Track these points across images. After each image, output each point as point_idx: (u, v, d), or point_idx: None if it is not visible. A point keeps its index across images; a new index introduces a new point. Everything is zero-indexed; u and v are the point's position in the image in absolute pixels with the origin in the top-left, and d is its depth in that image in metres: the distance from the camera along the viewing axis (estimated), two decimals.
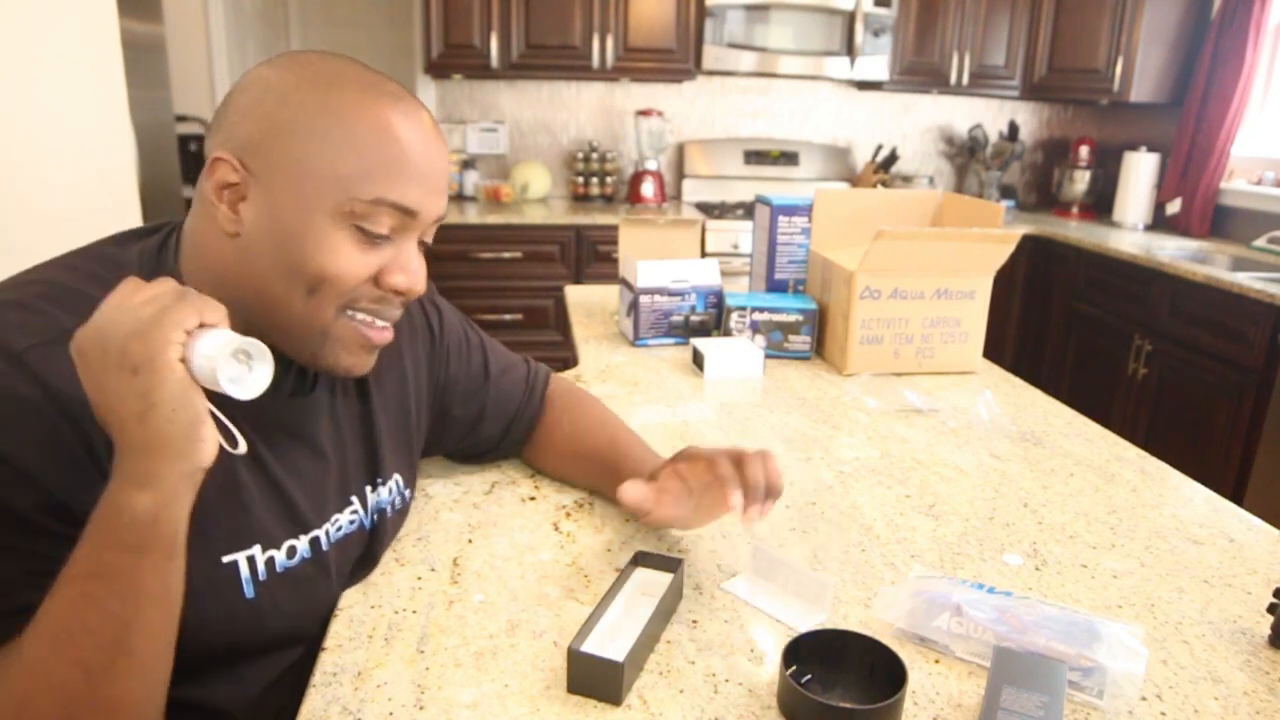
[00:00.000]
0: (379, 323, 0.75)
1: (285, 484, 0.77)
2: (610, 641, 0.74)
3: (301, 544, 0.78)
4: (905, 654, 0.72)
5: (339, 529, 0.83)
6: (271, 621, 0.75)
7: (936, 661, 0.77)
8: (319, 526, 0.80)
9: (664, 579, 0.83)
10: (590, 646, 0.72)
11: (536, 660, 0.75)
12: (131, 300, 0.58)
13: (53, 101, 1.94)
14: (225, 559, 0.72)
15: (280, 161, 0.68)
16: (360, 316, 0.74)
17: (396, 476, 0.92)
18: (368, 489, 0.87)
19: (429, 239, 0.77)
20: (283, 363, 0.78)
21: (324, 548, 0.80)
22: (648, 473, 0.93)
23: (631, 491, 0.84)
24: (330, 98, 0.69)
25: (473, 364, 1.04)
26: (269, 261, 0.70)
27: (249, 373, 0.62)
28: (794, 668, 0.70)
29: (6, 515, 0.61)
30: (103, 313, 0.58)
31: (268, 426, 0.76)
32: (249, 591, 0.73)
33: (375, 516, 0.88)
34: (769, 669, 0.75)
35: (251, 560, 0.74)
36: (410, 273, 0.74)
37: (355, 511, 0.85)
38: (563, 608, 0.83)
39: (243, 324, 0.71)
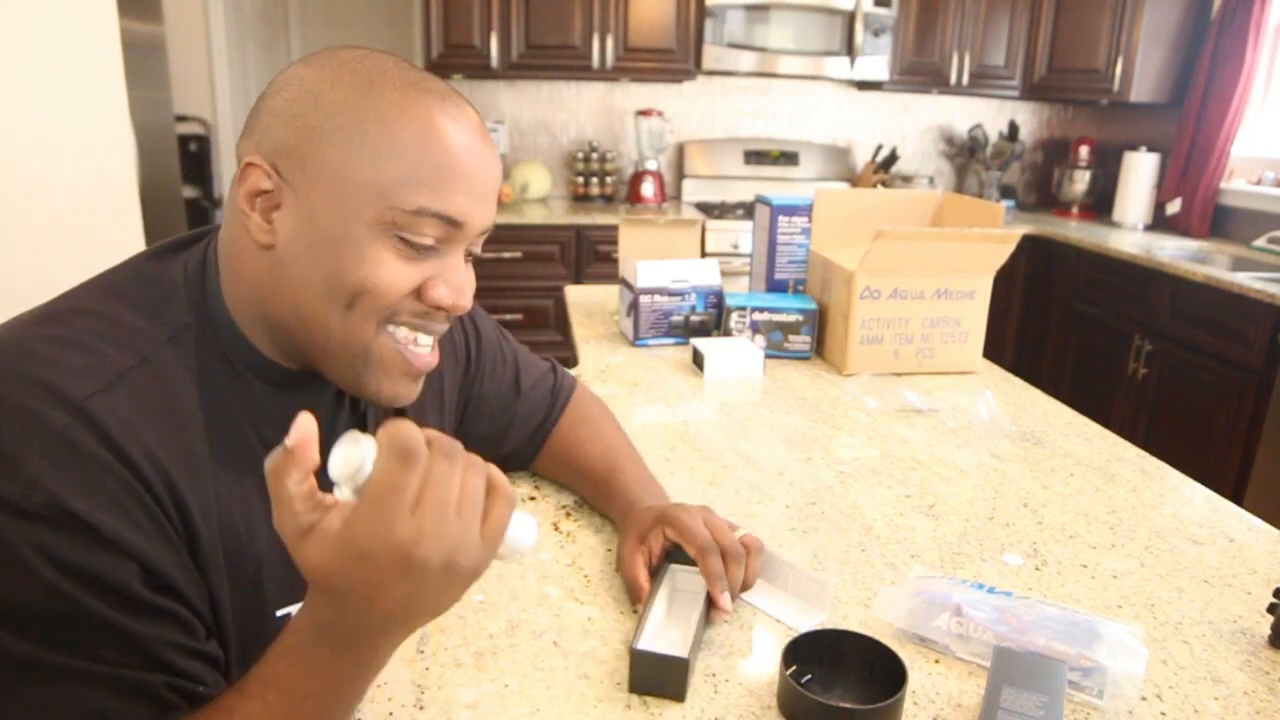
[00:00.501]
0: (421, 340, 0.70)
1: None
2: (660, 639, 0.76)
3: None
4: (905, 654, 0.72)
5: None
6: None
7: (936, 661, 0.77)
8: None
9: (698, 574, 0.83)
10: (650, 645, 0.72)
11: (536, 660, 0.75)
12: (448, 502, 0.52)
13: (53, 101, 1.94)
14: (279, 613, 0.70)
15: (316, 167, 0.63)
16: (402, 334, 0.68)
17: None
18: None
19: (477, 249, 0.71)
20: (333, 392, 0.75)
21: None
22: (635, 518, 0.90)
23: (631, 574, 0.85)
24: (369, 98, 0.63)
25: (504, 381, 1.02)
26: (306, 275, 0.65)
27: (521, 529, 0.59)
28: (794, 668, 0.70)
29: (110, 593, 0.55)
30: (427, 521, 0.51)
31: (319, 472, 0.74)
32: None
33: None
34: (769, 669, 0.75)
35: None
36: (455, 287, 0.68)
37: None
38: (563, 608, 0.83)
39: (286, 343, 0.68)
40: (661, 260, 1.66)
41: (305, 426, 0.52)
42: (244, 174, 0.65)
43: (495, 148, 0.69)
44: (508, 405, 1.03)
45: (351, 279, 0.64)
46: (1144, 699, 0.73)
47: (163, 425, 0.61)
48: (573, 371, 1.52)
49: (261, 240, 0.65)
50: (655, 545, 0.86)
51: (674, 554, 0.85)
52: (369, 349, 0.67)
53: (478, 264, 0.77)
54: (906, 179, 4.05)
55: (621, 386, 1.45)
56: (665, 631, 0.78)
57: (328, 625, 0.55)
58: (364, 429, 0.75)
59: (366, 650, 0.56)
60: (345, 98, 0.63)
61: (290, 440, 0.52)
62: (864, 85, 4.03)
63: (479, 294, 0.76)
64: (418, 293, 0.67)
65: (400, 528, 0.50)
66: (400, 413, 0.84)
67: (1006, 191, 4.10)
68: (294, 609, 0.67)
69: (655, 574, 0.84)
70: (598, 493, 1.01)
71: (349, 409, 0.78)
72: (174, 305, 0.66)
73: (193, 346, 0.65)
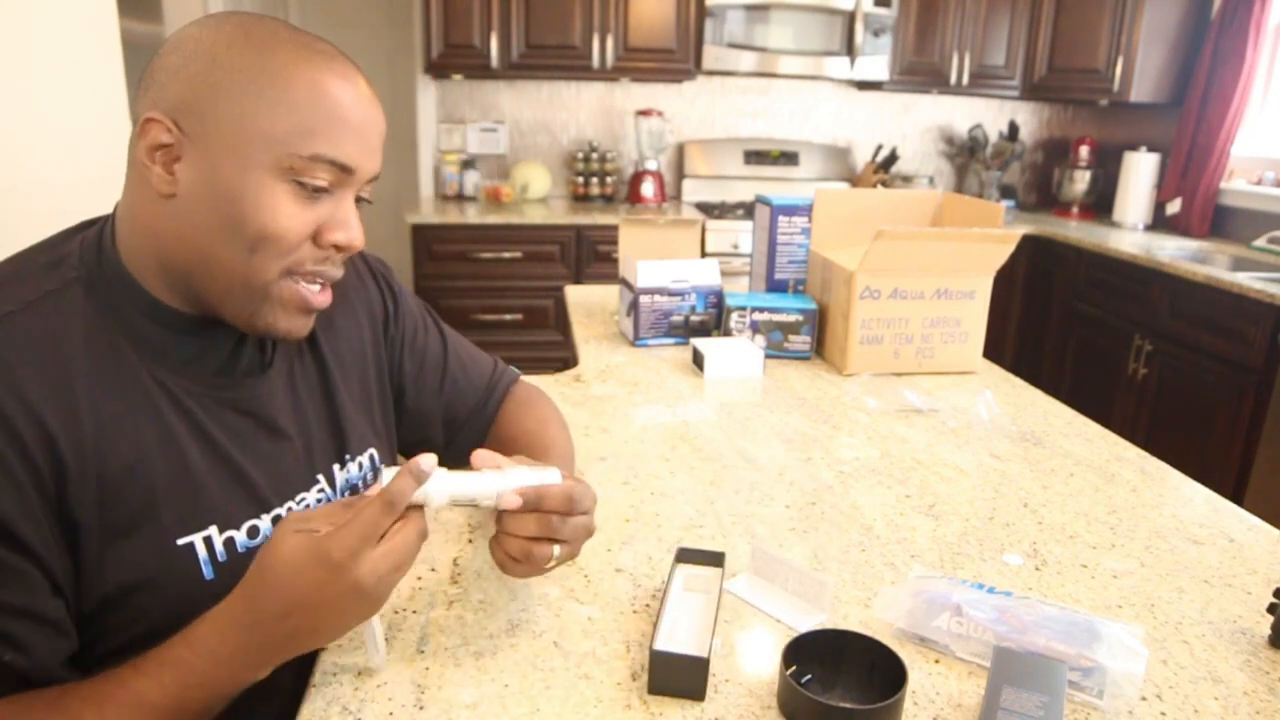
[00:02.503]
0: (314, 288, 0.76)
1: (241, 464, 0.77)
2: (676, 639, 0.76)
3: (264, 523, 0.78)
4: (905, 654, 0.72)
5: (305, 507, 0.82)
6: None
7: (936, 661, 0.77)
8: (281, 505, 0.80)
9: (709, 573, 0.84)
10: (668, 645, 0.72)
11: (536, 660, 0.75)
12: (398, 552, 0.65)
13: (53, 101, 1.94)
14: (180, 541, 0.72)
15: (215, 121, 0.68)
16: (303, 282, 0.74)
17: (371, 452, 0.91)
18: (335, 467, 0.87)
19: (367, 195, 0.78)
20: (237, 339, 0.79)
21: None
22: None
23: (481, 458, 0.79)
24: (264, 58, 0.69)
25: (429, 354, 1.02)
26: (208, 221, 0.69)
27: None
28: (794, 668, 0.70)
29: None
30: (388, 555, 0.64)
31: (221, 406, 0.77)
32: (208, 573, 0.73)
33: (346, 494, 0.87)
34: (769, 669, 0.75)
35: (209, 541, 0.73)
36: (349, 228, 0.74)
37: (322, 490, 0.85)
38: (563, 608, 0.83)
39: (183, 287, 0.73)
40: (661, 260, 1.66)
41: (378, 487, 0.67)
42: (144, 129, 0.69)
43: (380, 107, 0.76)
44: (432, 383, 1.02)
45: (252, 224, 0.69)
46: (1144, 699, 0.73)
47: (36, 365, 0.65)
48: (573, 371, 1.52)
49: (163, 190, 0.69)
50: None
51: (683, 554, 0.85)
52: (269, 290, 0.72)
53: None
54: (906, 179, 4.05)
55: (621, 386, 1.45)
56: (681, 631, 0.78)
57: (246, 621, 0.64)
58: (266, 369, 0.81)
59: (266, 653, 0.65)
60: (241, 57, 0.69)
61: (370, 491, 0.67)
62: (864, 85, 4.03)
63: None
64: (315, 239, 0.73)
65: (365, 553, 0.63)
66: (319, 360, 0.88)
67: (1006, 191, 4.10)
68: (196, 538, 0.73)
69: (669, 574, 0.84)
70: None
71: (251, 350, 0.81)
72: (66, 264, 0.72)
73: (81, 297, 0.70)
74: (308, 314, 0.77)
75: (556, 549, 0.75)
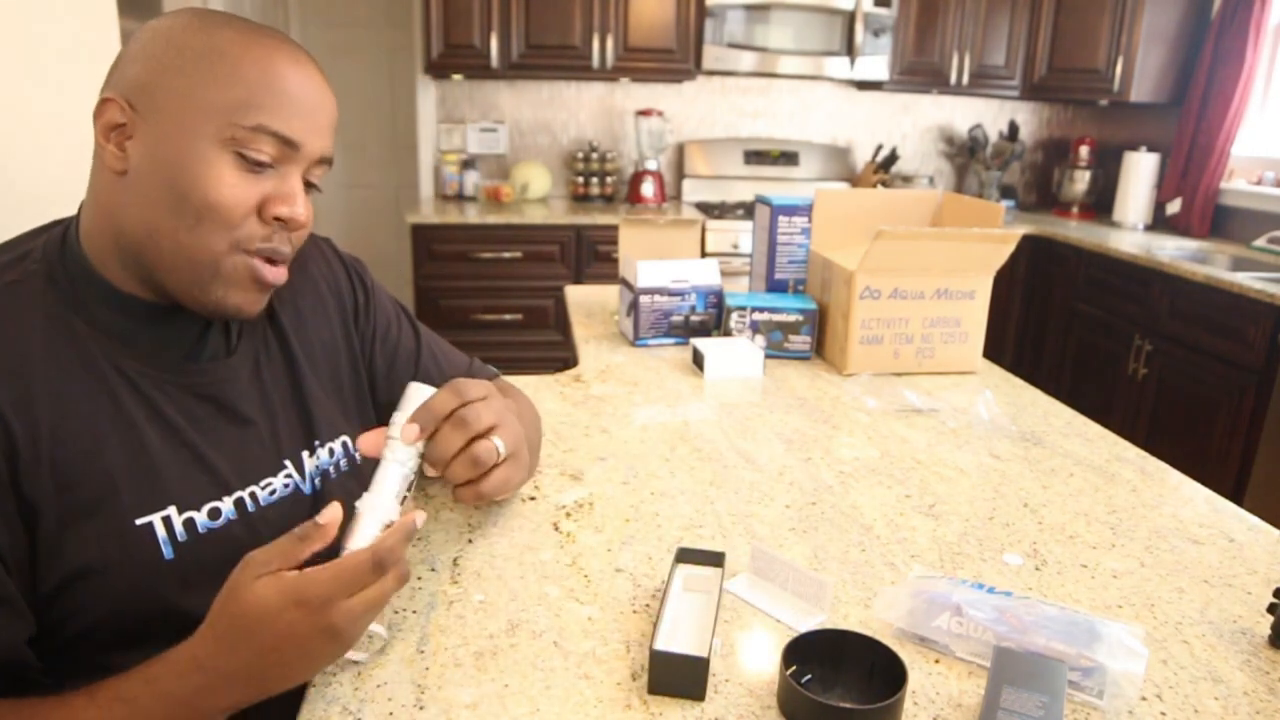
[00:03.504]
0: (267, 265, 0.76)
1: (201, 448, 0.77)
2: (676, 639, 0.76)
3: (225, 505, 0.78)
4: (905, 654, 0.72)
5: (271, 492, 0.83)
6: (197, 583, 0.74)
7: (936, 661, 0.77)
8: (244, 488, 0.80)
9: (709, 573, 0.84)
10: (668, 645, 0.73)
11: (536, 660, 0.75)
12: (375, 607, 0.66)
13: (53, 101, 1.94)
14: (139, 521, 0.72)
15: (164, 96, 0.70)
16: (252, 258, 0.75)
17: (343, 439, 0.92)
18: (304, 454, 0.87)
19: (316, 180, 0.78)
20: (201, 326, 0.80)
21: (251, 509, 0.80)
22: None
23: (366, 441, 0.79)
24: (214, 38, 0.71)
25: (401, 349, 1.02)
26: (156, 194, 0.71)
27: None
28: (794, 668, 0.70)
29: None
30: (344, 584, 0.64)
31: (182, 392, 0.77)
32: (168, 553, 0.73)
33: (316, 481, 0.88)
34: (769, 669, 0.75)
35: (168, 521, 0.74)
36: (293, 203, 0.74)
37: (289, 476, 0.85)
38: (563, 608, 0.83)
39: (135, 267, 0.74)
40: (661, 260, 1.66)
41: (331, 515, 0.66)
42: (100, 109, 0.72)
43: (332, 95, 0.78)
44: (414, 374, 1.01)
45: (196, 193, 0.70)
46: (1144, 699, 0.73)
47: None
48: (573, 371, 1.52)
49: (115, 167, 0.71)
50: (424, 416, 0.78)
51: (683, 554, 0.85)
52: (218, 264, 0.73)
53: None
54: (906, 179, 4.06)
55: (621, 386, 1.45)
56: (681, 631, 0.78)
57: (210, 665, 0.63)
58: (229, 356, 0.82)
59: (230, 695, 0.64)
60: (193, 38, 0.71)
61: (321, 519, 0.65)
62: (864, 85, 4.03)
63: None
64: (260, 212, 0.73)
65: (342, 600, 0.63)
66: (285, 347, 0.88)
67: (1006, 191, 4.10)
68: (155, 518, 0.73)
69: (669, 574, 0.84)
70: None
71: (215, 336, 0.82)
72: (29, 258, 0.74)
73: (40, 288, 0.72)
74: (260, 289, 0.77)
75: (495, 439, 0.78)
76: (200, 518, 0.76)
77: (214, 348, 0.81)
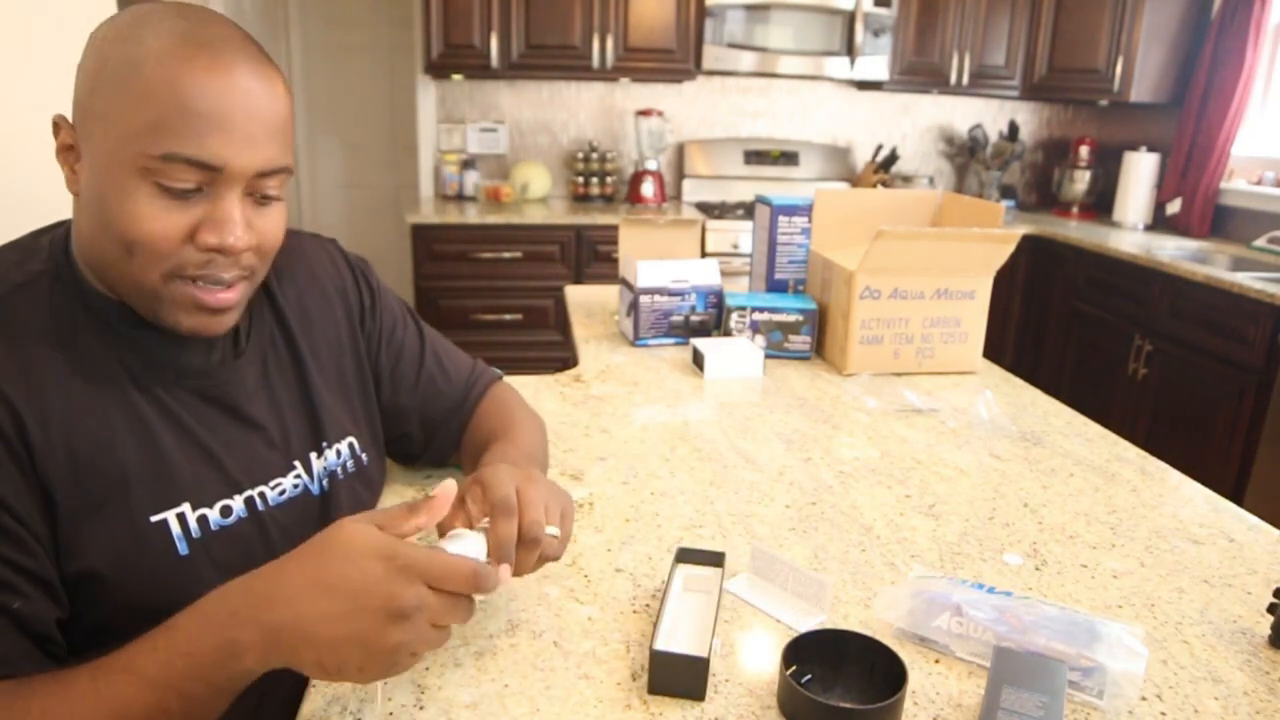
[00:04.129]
0: (212, 287, 0.72)
1: (211, 447, 0.77)
2: (676, 639, 0.76)
3: (236, 503, 0.78)
4: (905, 654, 0.72)
5: (281, 492, 0.82)
6: (210, 579, 0.72)
7: (936, 661, 0.77)
8: (253, 487, 0.80)
9: (709, 573, 0.84)
10: (668, 645, 0.73)
11: (536, 660, 0.75)
12: (448, 616, 0.62)
13: (52, 102, 1.94)
14: (154, 518, 0.72)
15: (93, 119, 0.68)
16: (191, 285, 0.71)
17: (350, 440, 0.91)
18: (312, 455, 0.87)
19: (274, 192, 0.73)
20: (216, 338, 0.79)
21: (260, 508, 0.80)
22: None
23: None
24: (130, 48, 0.66)
25: (406, 351, 1.01)
26: (95, 222, 0.70)
27: None
28: (794, 668, 0.70)
29: None
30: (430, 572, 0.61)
31: (189, 394, 0.77)
32: (182, 549, 0.73)
33: (324, 482, 0.87)
34: (769, 669, 0.75)
35: (182, 517, 0.74)
36: (224, 229, 0.69)
37: (299, 477, 0.85)
38: (563, 608, 0.83)
39: (108, 283, 0.73)
40: (661, 260, 1.66)
41: (445, 489, 0.67)
42: (54, 130, 0.71)
43: (271, 93, 0.70)
44: (408, 380, 1.00)
45: (117, 226, 0.68)
46: (1144, 699, 0.73)
47: (3, 351, 0.67)
48: (573, 371, 1.52)
49: (72, 190, 0.71)
50: (472, 507, 0.75)
51: (683, 554, 0.85)
52: (157, 292, 0.71)
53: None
54: (906, 179, 4.05)
55: (621, 386, 1.45)
56: (681, 631, 0.78)
57: (257, 586, 0.61)
58: (236, 359, 0.81)
59: (257, 627, 0.60)
60: (117, 51, 0.67)
61: (435, 491, 0.67)
62: (864, 85, 4.03)
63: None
64: (194, 238, 0.70)
65: (424, 584, 0.60)
66: (293, 349, 0.87)
67: (1006, 191, 4.10)
68: (169, 514, 0.73)
69: (669, 574, 0.84)
70: (475, 463, 0.95)
71: (223, 340, 0.81)
72: (34, 259, 0.73)
73: (47, 289, 0.72)
74: (210, 312, 0.73)
75: (550, 529, 0.75)
76: (213, 515, 0.76)
77: (221, 350, 0.81)
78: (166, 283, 0.71)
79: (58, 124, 0.70)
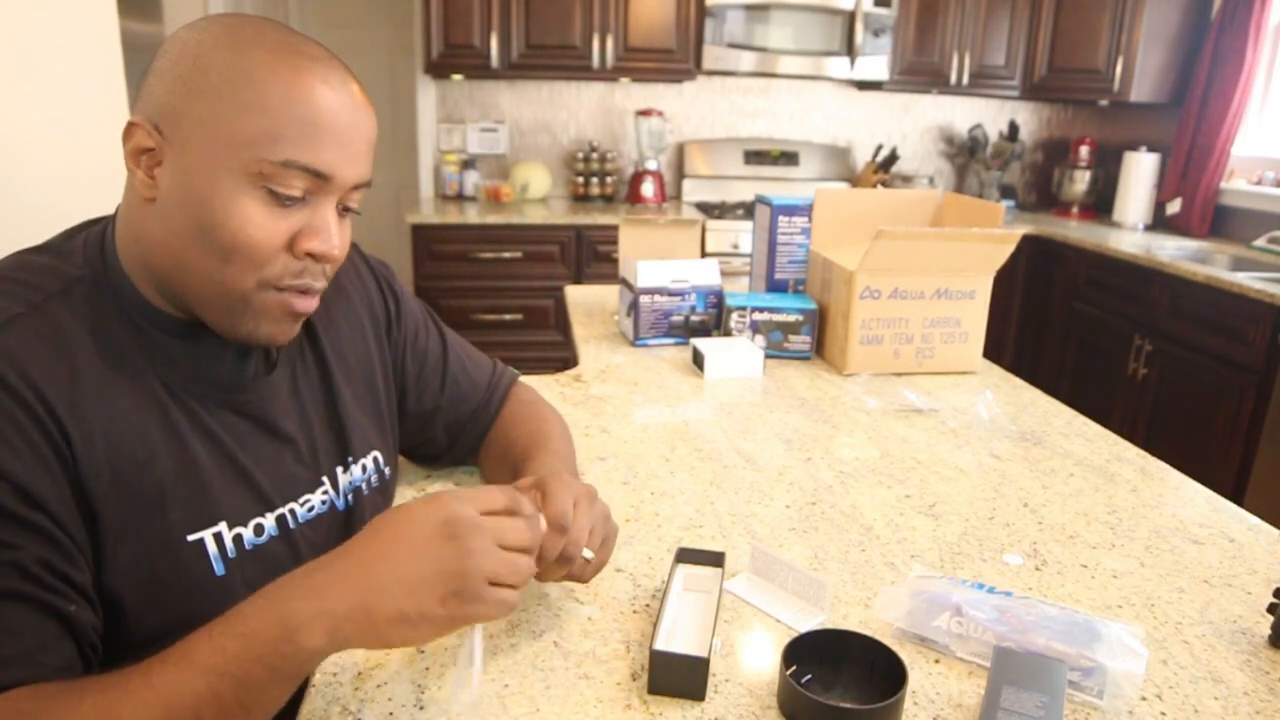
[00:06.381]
0: (301, 296, 0.74)
1: (244, 463, 0.77)
2: (676, 639, 0.76)
3: (268, 522, 0.78)
4: (905, 654, 0.72)
5: (310, 509, 0.82)
6: (243, 600, 0.72)
7: (936, 661, 0.77)
8: (284, 505, 0.80)
9: (709, 573, 0.84)
10: (668, 645, 0.73)
11: (536, 660, 0.75)
12: (519, 558, 0.65)
13: (52, 102, 1.94)
14: (190, 538, 0.72)
15: (191, 124, 0.67)
16: (283, 293, 0.72)
17: (375, 454, 0.91)
18: (338, 470, 0.87)
19: (354, 205, 0.75)
20: (240, 348, 0.78)
21: (291, 526, 0.80)
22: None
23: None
24: (242, 58, 0.67)
25: (430, 356, 1.02)
26: (183, 228, 0.68)
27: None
28: (794, 668, 0.70)
29: None
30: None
31: (222, 408, 0.77)
32: (219, 569, 0.73)
33: (349, 497, 0.87)
34: (769, 669, 0.75)
35: (219, 538, 0.73)
36: (326, 238, 0.71)
37: (326, 493, 0.85)
38: (563, 608, 0.83)
39: (168, 292, 0.72)
40: (661, 260, 1.66)
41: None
42: (128, 133, 0.69)
43: (370, 113, 0.73)
44: (433, 383, 1.01)
45: (222, 232, 0.68)
46: (1144, 699, 0.73)
47: (48, 363, 0.65)
48: (573, 371, 1.52)
49: (145, 194, 0.69)
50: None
51: (683, 554, 0.85)
52: (248, 300, 0.71)
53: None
54: (906, 179, 4.05)
55: (621, 386, 1.45)
56: (681, 631, 0.78)
57: (320, 562, 0.62)
58: (269, 373, 0.81)
59: (324, 598, 0.60)
60: (221, 58, 0.67)
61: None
62: (864, 85, 4.03)
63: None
64: (291, 247, 0.71)
65: (485, 537, 0.63)
66: (322, 363, 0.87)
67: (1006, 191, 4.10)
68: (206, 534, 0.72)
69: (669, 574, 0.84)
70: (517, 472, 0.95)
71: (256, 354, 0.80)
72: (70, 263, 0.72)
73: (85, 297, 0.70)
74: (293, 319, 0.75)
75: (585, 551, 0.76)
76: (247, 534, 0.76)
77: (255, 364, 0.80)
78: (259, 290, 0.71)
79: (134, 126, 0.68)
